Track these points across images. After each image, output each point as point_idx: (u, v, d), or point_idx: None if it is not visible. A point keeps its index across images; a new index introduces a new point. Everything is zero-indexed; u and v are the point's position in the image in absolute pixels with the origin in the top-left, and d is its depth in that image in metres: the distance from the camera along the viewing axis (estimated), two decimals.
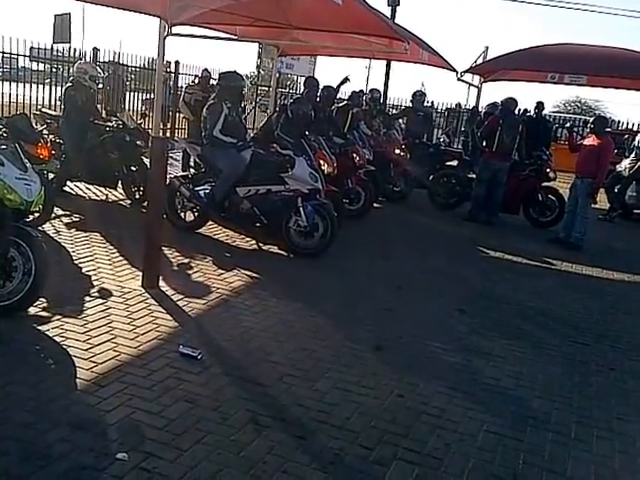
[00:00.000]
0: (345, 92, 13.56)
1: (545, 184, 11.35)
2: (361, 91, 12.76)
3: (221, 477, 3.28)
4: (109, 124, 9.31)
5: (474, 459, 3.72)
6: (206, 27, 8.37)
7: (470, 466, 3.64)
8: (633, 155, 13.23)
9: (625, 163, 13.40)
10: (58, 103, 15.70)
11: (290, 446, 3.63)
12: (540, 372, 5.14)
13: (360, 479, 3.43)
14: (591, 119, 10.98)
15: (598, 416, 4.48)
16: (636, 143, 13.27)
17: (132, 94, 18.95)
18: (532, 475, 3.65)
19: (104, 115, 10.01)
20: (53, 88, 15.06)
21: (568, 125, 13.50)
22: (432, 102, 22.44)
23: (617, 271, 8.81)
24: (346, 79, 10.48)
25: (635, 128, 21.32)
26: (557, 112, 36.49)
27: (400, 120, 14.03)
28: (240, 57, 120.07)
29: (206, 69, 13.64)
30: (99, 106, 10.32)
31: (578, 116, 31.01)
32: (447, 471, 3.57)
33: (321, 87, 10.44)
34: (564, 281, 8.18)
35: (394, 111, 18.66)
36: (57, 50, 16.17)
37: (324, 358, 4.90)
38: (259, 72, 20.59)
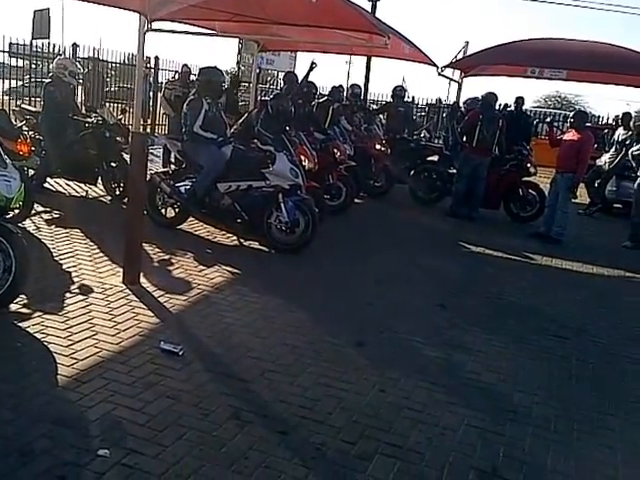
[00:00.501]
0: (325, 87, 13.55)
1: (525, 179, 11.41)
2: (341, 86, 12.76)
3: (203, 473, 3.28)
4: (89, 120, 9.24)
5: (455, 453, 3.74)
6: (186, 23, 8.35)
7: (451, 460, 3.66)
8: (613, 150, 13.27)
9: (605, 158, 13.45)
10: (6, 97, 15.59)
11: (272, 441, 3.63)
12: (521, 366, 5.18)
13: (342, 474, 3.44)
14: (571, 114, 11.03)
15: (578, 410, 4.51)
16: (616, 137, 13.31)
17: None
18: (512, 468, 3.68)
19: (84, 111, 9.95)
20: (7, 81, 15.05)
21: (548, 120, 13.61)
22: (413, 97, 22.50)
23: (597, 265, 8.88)
24: (313, 64, 10.31)
25: (615, 123, 21.47)
26: (537, 107, 36.70)
27: (381, 115, 14.06)
28: (220, 53, 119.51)
29: (186, 65, 13.58)
30: (79, 102, 10.25)
31: (558, 111, 31.27)
32: (428, 465, 3.59)
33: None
34: (544, 275, 8.25)
35: (375, 106, 18.70)
36: (36, 46, 16.03)
37: (305, 353, 4.91)
38: (239, 68, 20.53)
